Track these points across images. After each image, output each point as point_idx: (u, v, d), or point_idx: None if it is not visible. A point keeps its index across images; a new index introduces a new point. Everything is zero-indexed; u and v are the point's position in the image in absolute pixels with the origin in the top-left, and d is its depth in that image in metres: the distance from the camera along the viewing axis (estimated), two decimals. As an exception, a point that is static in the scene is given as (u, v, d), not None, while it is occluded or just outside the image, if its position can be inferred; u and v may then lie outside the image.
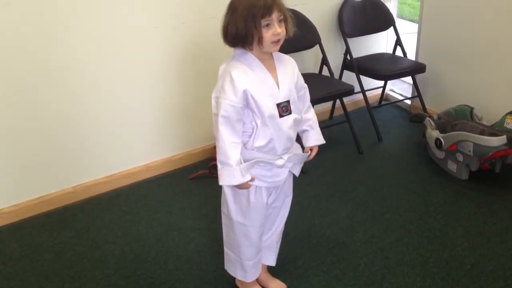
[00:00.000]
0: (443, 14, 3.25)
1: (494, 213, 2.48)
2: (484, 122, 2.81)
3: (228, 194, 1.77)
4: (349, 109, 3.31)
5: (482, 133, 2.57)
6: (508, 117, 2.67)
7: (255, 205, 1.75)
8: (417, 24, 3.52)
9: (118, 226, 2.47)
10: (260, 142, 1.63)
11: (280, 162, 1.70)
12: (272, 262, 2.02)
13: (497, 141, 2.50)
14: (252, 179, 1.64)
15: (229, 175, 1.60)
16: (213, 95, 1.63)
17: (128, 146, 2.81)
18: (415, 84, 3.47)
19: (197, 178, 2.87)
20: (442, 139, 2.78)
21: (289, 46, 3.06)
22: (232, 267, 1.93)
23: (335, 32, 3.40)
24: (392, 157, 3.09)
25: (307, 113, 1.82)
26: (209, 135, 3.05)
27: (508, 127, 2.64)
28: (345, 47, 3.35)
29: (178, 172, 2.96)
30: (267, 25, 1.50)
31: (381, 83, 3.75)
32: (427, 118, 3.00)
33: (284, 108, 1.63)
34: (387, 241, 2.30)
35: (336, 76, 3.39)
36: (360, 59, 3.42)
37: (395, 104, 3.82)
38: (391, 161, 3.05)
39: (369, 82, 3.53)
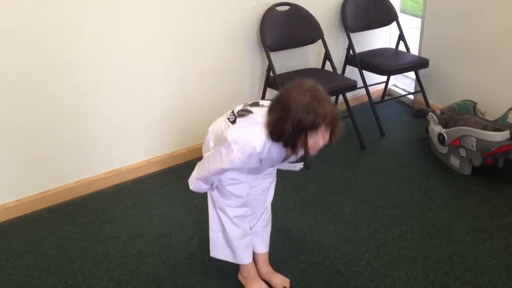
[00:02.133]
0: (447, 9, 3.24)
1: (497, 208, 2.48)
2: (487, 117, 2.80)
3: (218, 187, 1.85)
4: (351, 104, 3.30)
5: (485, 128, 2.57)
6: (511, 112, 2.66)
7: (234, 193, 1.82)
8: (420, 19, 3.50)
9: (121, 221, 2.48)
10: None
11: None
12: (263, 249, 2.03)
13: (500, 136, 2.50)
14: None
15: (199, 188, 1.80)
16: (229, 138, 1.60)
17: (131, 141, 2.81)
18: (418, 79, 3.45)
19: (200, 173, 2.87)
20: (445, 134, 2.77)
21: (292, 41, 3.11)
22: (222, 249, 1.95)
23: (338, 27, 3.39)
24: (395, 153, 3.09)
25: None
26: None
27: (511, 122, 2.63)
28: (347, 42, 3.34)
29: (180, 167, 2.96)
30: (311, 137, 1.50)
31: (384, 78, 3.73)
32: (430, 113, 3.00)
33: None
34: (390, 236, 2.30)
35: (339, 71, 3.38)
36: (363, 54, 3.41)
37: (398, 99, 3.82)
38: (394, 156, 3.04)
39: (372, 77, 3.52)
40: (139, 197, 2.68)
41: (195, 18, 2.77)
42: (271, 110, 1.55)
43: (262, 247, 2.03)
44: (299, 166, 1.83)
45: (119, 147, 2.77)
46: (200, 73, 2.90)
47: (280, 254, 2.20)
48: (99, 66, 2.56)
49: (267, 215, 2.01)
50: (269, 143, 1.56)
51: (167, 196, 2.68)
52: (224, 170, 1.67)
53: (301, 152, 1.58)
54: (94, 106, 2.61)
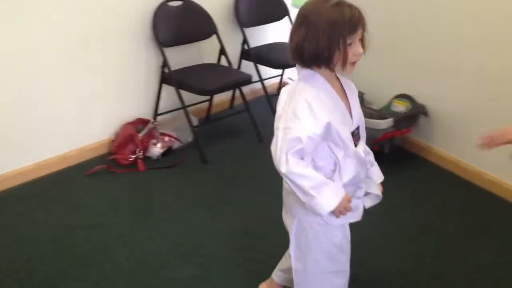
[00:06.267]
0: (334, 4, 3.35)
1: (383, 192, 2.62)
2: (373, 107, 2.96)
3: (312, 243, 1.51)
4: (248, 98, 3.35)
5: (371, 116, 2.71)
6: (394, 100, 2.84)
7: (343, 245, 1.53)
8: (311, 14, 3.61)
9: (11, 229, 2.34)
10: (348, 175, 1.42)
11: (360, 192, 1.53)
12: None
13: (385, 123, 2.65)
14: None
15: (334, 190, 1.37)
16: (280, 126, 1.37)
17: (17, 144, 2.64)
18: (311, 72, 3.56)
19: (94, 174, 2.77)
20: (336, 124, 2.89)
21: (186, 37, 3.09)
22: None
23: (232, 22, 3.41)
24: (291, 144, 3.16)
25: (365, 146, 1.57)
26: (106, 128, 2.97)
27: (394, 110, 2.80)
28: (242, 37, 3.38)
29: (73, 168, 2.84)
30: (350, 44, 1.30)
31: (279, 71, 3.81)
32: (322, 104, 3.11)
33: (357, 136, 1.45)
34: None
35: (235, 66, 3.41)
36: (257, 49, 3.46)
37: (294, 92, 3.91)
38: (290, 147, 3.12)
39: (268, 71, 3.58)
40: (29, 202, 2.53)
41: (83, 12, 2.66)
42: (293, 33, 1.34)
43: None
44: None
45: (4, 151, 2.60)
46: (90, 70, 2.79)
47: (180, 249, 2.19)
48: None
49: None
50: (314, 91, 1.35)
51: (59, 200, 2.56)
52: (300, 152, 1.33)
53: (338, 67, 1.33)
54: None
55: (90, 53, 2.77)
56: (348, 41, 1.29)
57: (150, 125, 2.97)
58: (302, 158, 1.34)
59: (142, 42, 2.97)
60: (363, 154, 1.45)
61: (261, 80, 3.38)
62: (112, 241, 2.25)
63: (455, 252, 2.19)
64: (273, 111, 3.35)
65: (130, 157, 2.83)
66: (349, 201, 1.40)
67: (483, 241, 2.26)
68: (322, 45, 1.28)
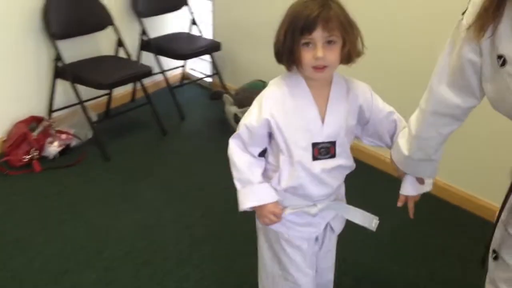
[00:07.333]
0: (233, -7, 3.36)
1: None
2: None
3: (263, 243, 1.47)
4: (151, 90, 3.26)
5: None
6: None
7: (293, 260, 1.42)
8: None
9: None
10: (286, 183, 1.33)
11: (312, 210, 1.37)
12: None
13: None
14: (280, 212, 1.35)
15: (256, 193, 1.33)
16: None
17: None
18: (213, 62, 3.55)
19: (-14, 177, 2.59)
20: (239, 114, 2.91)
21: (80, 28, 2.95)
22: None
23: (129, 12, 3.30)
24: (196, 135, 3.15)
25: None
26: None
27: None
28: (141, 27, 3.28)
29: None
30: (307, 44, 1.18)
31: (181, 62, 3.76)
32: (225, 95, 3.11)
33: (323, 151, 1.30)
34: (194, 217, 2.35)
35: (134, 57, 3.30)
36: (157, 39, 3.37)
37: (197, 83, 3.87)
38: (195, 139, 3.10)
39: (170, 62, 3.52)
40: None
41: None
42: None
43: None
44: (375, 222, 1.45)
45: None
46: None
47: (82, 253, 2.10)
48: None
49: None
50: (282, 89, 1.29)
51: None
52: (238, 139, 1.34)
53: (295, 69, 1.25)
54: None
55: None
56: (304, 41, 1.18)
57: (44, 123, 2.81)
58: (244, 146, 1.34)
59: (31, 33, 2.80)
60: (316, 171, 1.30)
61: (163, 71, 3.31)
62: (8, 248, 2.11)
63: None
64: (176, 103, 3.31)
65: (24, 158, 2.66)
66: (276, 212, 1.33)
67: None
68: (280, 42, 1.22)
